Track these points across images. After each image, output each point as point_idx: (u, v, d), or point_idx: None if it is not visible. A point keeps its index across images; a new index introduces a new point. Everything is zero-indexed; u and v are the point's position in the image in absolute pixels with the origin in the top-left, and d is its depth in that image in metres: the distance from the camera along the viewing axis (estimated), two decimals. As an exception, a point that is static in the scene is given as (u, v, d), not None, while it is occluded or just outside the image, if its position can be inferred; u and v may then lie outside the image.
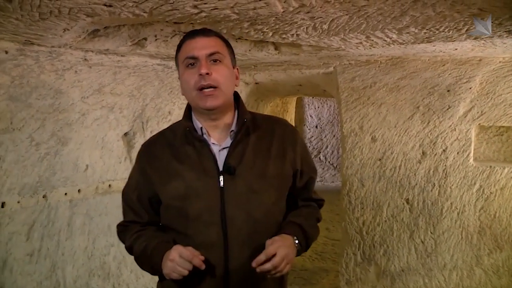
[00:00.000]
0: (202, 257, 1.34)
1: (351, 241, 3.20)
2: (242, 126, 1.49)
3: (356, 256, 3.20)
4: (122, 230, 1.62)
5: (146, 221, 1.57)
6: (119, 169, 2.67)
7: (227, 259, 1.41)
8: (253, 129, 1.53)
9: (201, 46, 1.43)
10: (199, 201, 1.44)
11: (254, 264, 1.34)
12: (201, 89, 1.42)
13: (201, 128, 1.50)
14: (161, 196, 1.51)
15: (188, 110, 1.57)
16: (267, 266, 1.33)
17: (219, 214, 1.42)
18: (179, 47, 1.51)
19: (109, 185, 2.61)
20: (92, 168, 2.49)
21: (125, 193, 1.62)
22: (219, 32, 1.54)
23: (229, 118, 1.52)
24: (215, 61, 1.44)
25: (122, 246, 2.68)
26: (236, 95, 1.58)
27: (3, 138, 2.02)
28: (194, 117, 1.54)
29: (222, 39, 1.52)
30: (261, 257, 1.34)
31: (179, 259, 1.33)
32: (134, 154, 2.75)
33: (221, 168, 1.45)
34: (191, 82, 1.44)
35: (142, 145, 1.64)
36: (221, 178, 1.44)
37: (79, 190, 2.42)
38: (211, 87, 1.42)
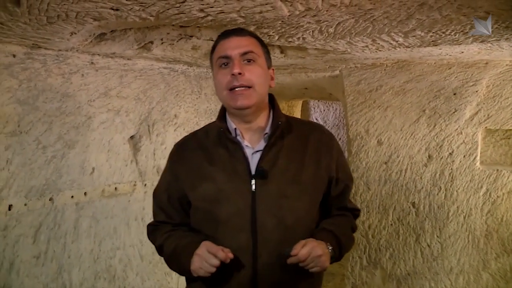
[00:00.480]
0: (228, 250, 1.31)
1: (357, 245, 3.19)
2: (276, 129, 1.45)
3: (362, 259, 3.19)
4: (153, 230, 1.59)
5: (178, 222, 1.54)
6: (125, 172, 2.67)
7: (256, 265, 1.37)
8: (288, 132, 1.49)
9: (235, 46, 1.40)
10: (229, 205, 1.40)
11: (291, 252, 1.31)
12: (233, 89, 1.39)
13: (235, 129, 1.46)
14: (190, 198, 1.48)
15: (223, 111, 1.53)
16: (293, 259, 1.30)
17: (249, 219, 1.38)
18: (213, 47, 1.49)
19: (115, 188, 2.62)
20: (99, 171, 2.50)
21: (156, 194, 1.59)
22: (254, 32, 1.51)
23: (263, 120, 1.49)
24: (248, 61, 1.41)
25: (128, 249, 2.71)
26: (271, 97, 1.54)
27: (10, 141, 2.03)
28: (228, 118, 1.50)
29: (257, 39, 1.49)
30: (297, 247, 1.31)
31: (206, 253, 1.30)
32: (140, 157, 2.77)
33: (253, 172, 1.41)
34: (223, 82, 1.41)
35: (175, 145, 1.61)
36: (253, 182, 1.40)
37: (85, 193, 2.42)
38: (243, 87, 1.38)
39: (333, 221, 1.52)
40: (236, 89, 1.39)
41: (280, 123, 1.46)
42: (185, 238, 1.45)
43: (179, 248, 1.42)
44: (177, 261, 1.43)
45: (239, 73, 1.37)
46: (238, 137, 1.46)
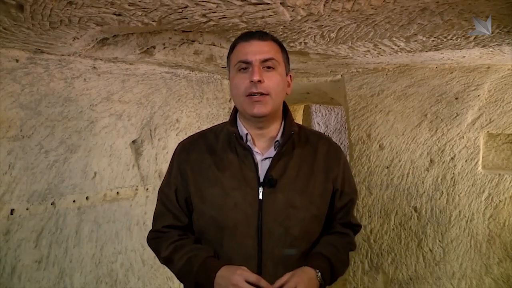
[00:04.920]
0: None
1: (358, 249, 3.18)
2: (289, 138, 1.43)
3: (363, 264, 3.18)
4: (156, 237, 1.51)
5: (185, 225, 1.49)
6: (127, 176, 2.67)
7: (261, 274, 1.33)
8: (298, 142, 1.47)
9: (256, 51, 1.37)
10: (236, 212, 1.38)
11: None
12: (250, 95, 1.36)
13: (246, 134, 1.44)
14: (195, 201, 1.45)
15: (234, 114, 1.50)
16: None
17: (256, 227, 1.36)
18: (232, 47, 1.44)
19: (117, 193, 2.62)
20: (100, 175, 2.50)
21: (165, 194, 1.52)
22: (275, 36, 1.47)
23: (276, 128, 1.47)
24: (268, 67, 1.37)
25: (130, 253, 2.71)
26: (284, 106, 1.51)
27: (13, 146, 2.03)
28: (239, 122, 1.48)
29: (278, 44, 1.44)
30: (282, 279, 1.29)
31: (245, 284, 1.25)
32: (142, 161, 2.77)
33: (261, 179, 1.40)
34: (241, 87, 1.38)
35: (180, 144, 1.56)
36: (261, 189, 1.38)
37: (87, 198, 2.42)
38: (261, 94, 1.36)
39: (333, 242, 1.49)
40: (254, 96, 1.36)
41: (293, 132, 1.44)
42: (198, 251, 1.41)
43: (195, 264, 1.37)
44: (193, 278, 1.37)
45: (259, 81, 1.34)
46: (249, 143, 1.44)
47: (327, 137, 1.61)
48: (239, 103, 1.42)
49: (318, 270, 1.36)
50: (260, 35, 1.40)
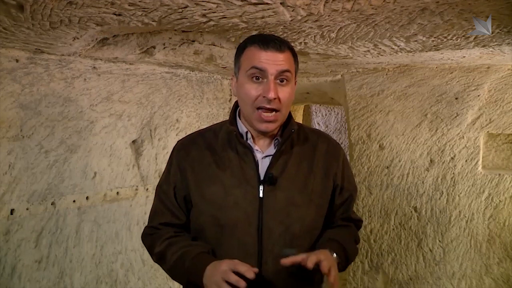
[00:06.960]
0: (256, 270, 1.25)
1: (358, 249, 3.18)
2: (288, 136, 1.43)
3: (363, 264, 3.18)
4: (151, 233, 1.50)
5: (183, 223, 1.49)
6: (127, 176, 2.67)
7: (261, 271, 1.32)
8: (298, 140, 1.48)
9: (273, 62, 1.33)
10: (236, 210, 1.37)
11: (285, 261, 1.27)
12: (261, 108, 1.35)
13: (246, 132, 1.44)
14: (194, 199, 1.44)
15: (234, 112, 1.49)
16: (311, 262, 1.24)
17: (256, 225, 1.36)
18: (244, 48, 1.40)
19: (117, 193, 2.62)
20: (100, 175, 2.50)
21: (163, 191, 1.51)
22: (290, 43, 1.43)
23: (277, 129, 1.45)
24: (282, 80, 1.35)
25: (130, 253, 2.71)
26: None
27: (13, 146, 2.04)
28: (239, 121, 1.47)
29: (293, 53, 1.42)
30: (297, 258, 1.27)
31: (231, 275, 1.22)
32: (142, 161, 2.77)
33: (262, 177, 1.40)
34: (252, 98, 1.35)
35: (179, 142, 1.56)
36: (261, 187, 1.38)
37: (87, 198, 2.42)
38: (273, 111, 1.35)
39: (338, 231, 1.50)
40: (265, 114, 1.35)
41: (293, 131, 1.44)
42: (192, 247, 1.39)
43: (187, 259, 1.35)
44: (184, 273, 1.36)
45: (274, 98, 1.32)
46: (249, 141, 1.44)
47: (326, 134, 1.61)
48: (247, 113, 1.40)
49: (334, 253, 1.36)
50: (278, 44, 1.35)
